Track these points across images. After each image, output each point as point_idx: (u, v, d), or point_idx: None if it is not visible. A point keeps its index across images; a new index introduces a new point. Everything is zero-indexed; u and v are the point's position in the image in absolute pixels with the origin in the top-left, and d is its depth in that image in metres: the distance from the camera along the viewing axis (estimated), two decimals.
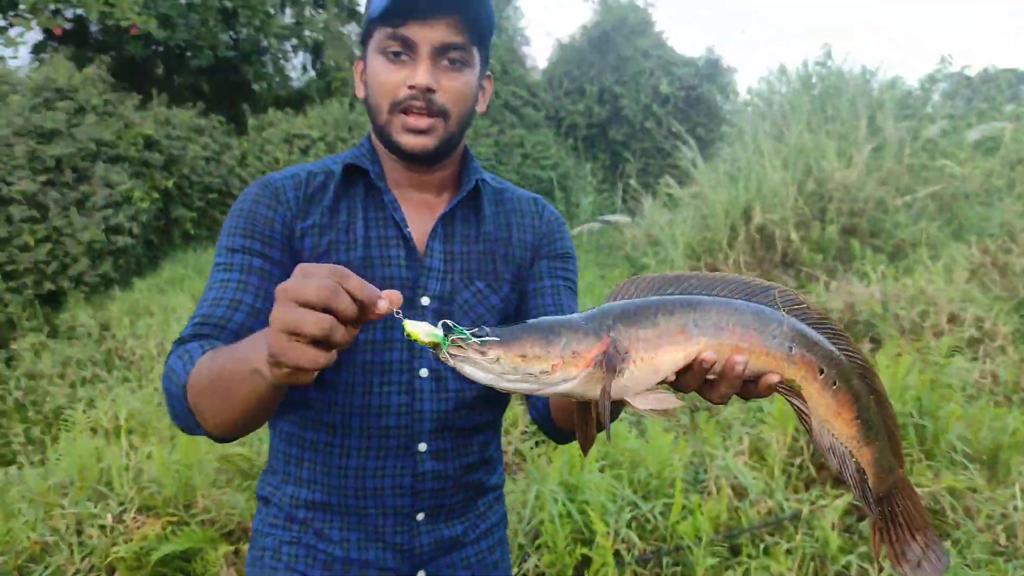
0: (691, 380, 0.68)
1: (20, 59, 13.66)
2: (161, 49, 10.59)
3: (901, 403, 2.70)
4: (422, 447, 0.98)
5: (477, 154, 13.14)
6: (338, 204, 1.00)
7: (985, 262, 5.64)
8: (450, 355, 0.65)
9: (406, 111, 0.94)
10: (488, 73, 1.04)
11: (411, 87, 0.93)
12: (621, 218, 8.68)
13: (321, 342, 0.60)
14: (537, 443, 2.97)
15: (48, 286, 7.72)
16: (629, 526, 2.27)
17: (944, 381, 3.10)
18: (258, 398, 0.70)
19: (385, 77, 0.95)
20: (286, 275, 0.86)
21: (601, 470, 2.41)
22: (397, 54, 0.94)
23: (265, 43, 11.90)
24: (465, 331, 0.66)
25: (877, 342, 4.32)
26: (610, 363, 0.64)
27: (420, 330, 0.66)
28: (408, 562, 1.00)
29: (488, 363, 0.64)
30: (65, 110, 8.06)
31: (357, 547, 0.98)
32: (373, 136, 1.05)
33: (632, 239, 8.75)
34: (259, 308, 0.93)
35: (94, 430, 3.55)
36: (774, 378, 0.68)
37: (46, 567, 2.19)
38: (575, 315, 0.68)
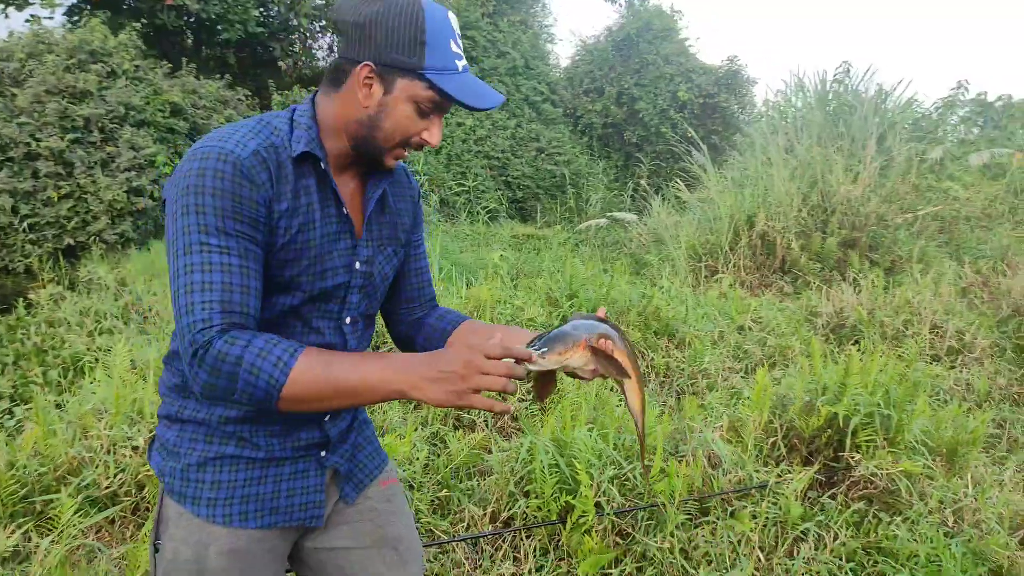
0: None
1: (54, 20, 13.90)
2: (192, 20, 10.81)
3: (870, 394, 2.92)
4: None
5: (493, 145, 13.37)
6: (298, 186, 1.12)
7: (976, 281, 5.85)
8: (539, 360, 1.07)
9: (404, 147, 1.14)
10: None
11: (425, 140, 1.13)
12: (628, 216, 8.89)
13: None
14: (528, 406, 3.20)
15: (68, 241, 7.97)
16: (611, 482, 2.50)
17: (914, 379, 3.32)
18: (382, 401, 1.02)
19: (410, 124, 1.11)
20: (265, 253, 1.09)
21: (589, 431, 2.64)
22: (426, 112, 1.11)
23: (294, 22, 12.12)
24: (535, 347, 1.08)
25: (860, 345, 4.53)
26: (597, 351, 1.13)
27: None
28: (314, 449, 1.26)
29: (546, 360, 1.06)
30: (97, 73, 8.28)
31: (278, 448, 1.21)
32: (327, 119, 1.15)
33: (637, 237, 8.97)
34: (260, 291, 1.07)
35: (109, 376, 3.77)
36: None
37: (82, 480, 2.43)
38: (569, 328, 1.12)
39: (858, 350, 4.45)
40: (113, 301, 6.41)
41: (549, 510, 2.38)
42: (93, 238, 8.00)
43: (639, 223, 9.23)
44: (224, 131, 1.08)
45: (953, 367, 4.28)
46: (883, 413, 2.85)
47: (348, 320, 1.23)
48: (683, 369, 4.05)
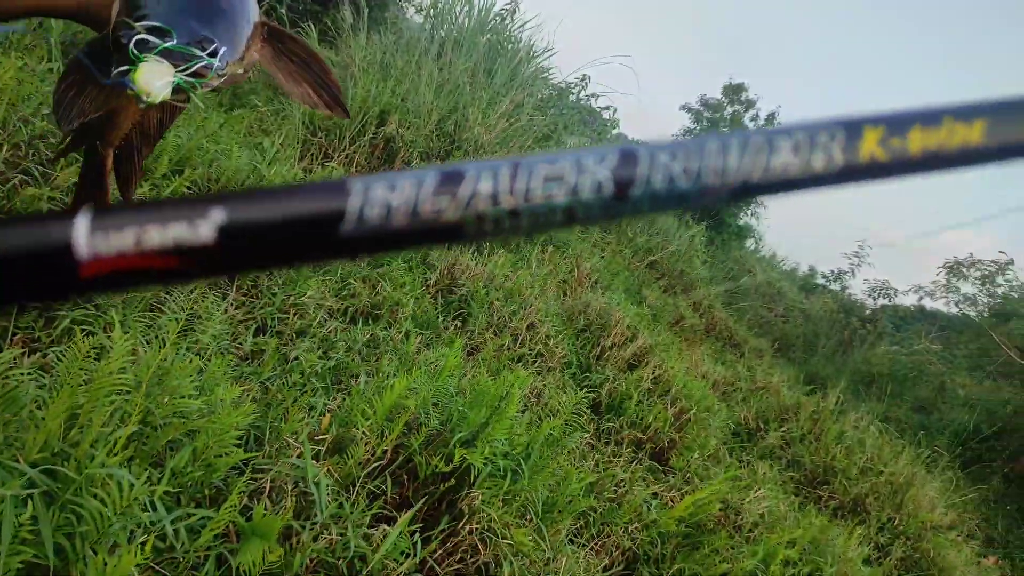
0: None
1: None
2: None
3: (507, 434, 2.34)
4: None
5: None
6: None
7: (571, 278, 5.97)
8: None
9: None
10: None
11: None
12: None
13: None
14: None
15: None
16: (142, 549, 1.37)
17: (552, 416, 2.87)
18: None
19: None
20: None
21: (125, 449, 1.42)
22: None
23: None
24: None
25: (468, 324, 4.05)
26: None
27: None
28: None
29: None
30: None
31: None
32: None
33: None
34: None
35: None
36: None
37: None
38: None
39: (464, 329, 3.95)
40: None
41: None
42: None
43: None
44: None
45: (539, 373, 4.07)
46: (516, 469, 2.28)
47: None
48: (275, 297, 2.98)
